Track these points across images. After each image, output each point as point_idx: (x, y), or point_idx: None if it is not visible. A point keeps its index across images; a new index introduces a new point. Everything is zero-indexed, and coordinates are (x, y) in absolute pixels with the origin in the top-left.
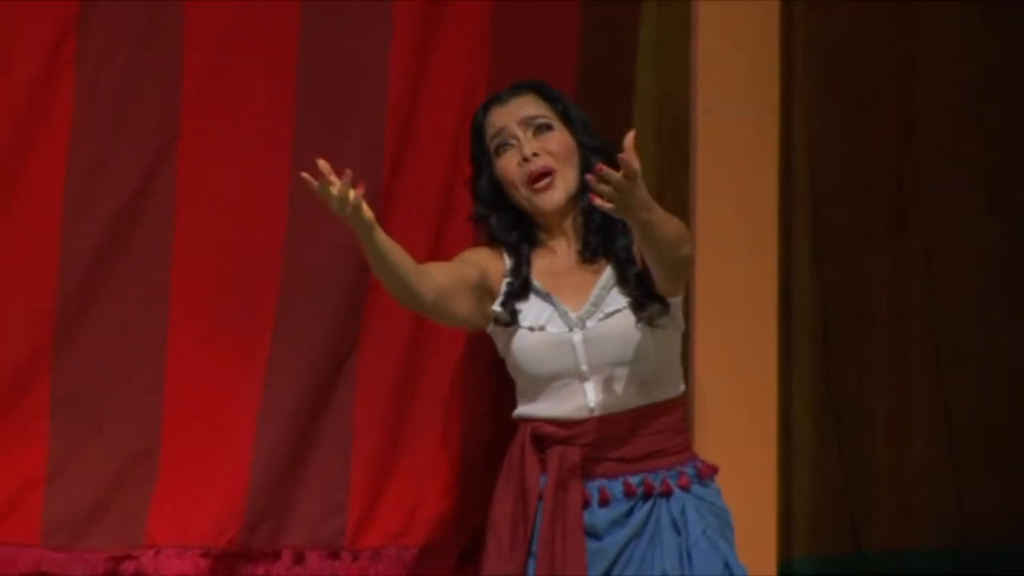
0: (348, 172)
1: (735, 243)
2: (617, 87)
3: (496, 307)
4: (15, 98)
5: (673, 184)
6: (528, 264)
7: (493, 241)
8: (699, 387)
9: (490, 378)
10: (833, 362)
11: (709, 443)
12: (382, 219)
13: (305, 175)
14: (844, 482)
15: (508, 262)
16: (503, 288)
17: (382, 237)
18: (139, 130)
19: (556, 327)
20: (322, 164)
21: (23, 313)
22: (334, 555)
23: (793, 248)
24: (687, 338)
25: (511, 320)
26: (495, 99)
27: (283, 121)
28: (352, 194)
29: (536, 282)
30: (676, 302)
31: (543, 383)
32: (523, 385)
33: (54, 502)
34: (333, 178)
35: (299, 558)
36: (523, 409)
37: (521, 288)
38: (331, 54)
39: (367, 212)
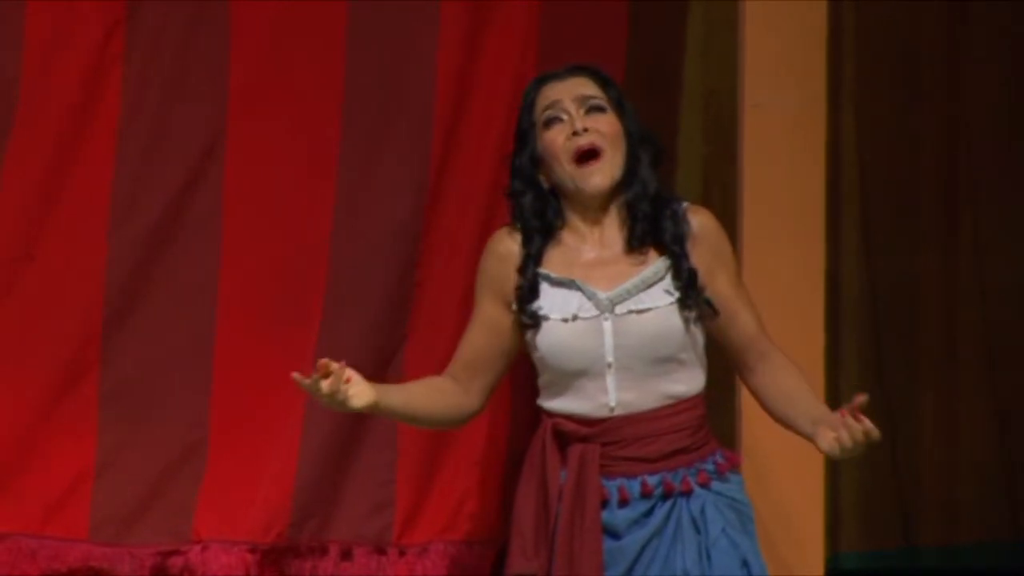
0: (342, 364)
1: (782, 238)
2: (665, 84)
3: (519, 315)
4: (64, 95)
5: (720, 179)
6: (537, 261)
7: (516, 223)
8: None
9: (536, 372)
10: (883, 357)
11: (757, 439)
12: (428, 219)
13: (296, 375)
14: (895, 477)
15: (520, 255)
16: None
17: (393, 400)
18: (186, 126)
19: (587, 312)
20: (321, 363)
21: (72, 308)
22: (381, 551)
23: (841, 242)
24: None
25: (534, 321)
26: (551, 75)
27: (330, 118)
28: (343, 388)
29: (552, 273)
30: None
31: (569, 379)
32: (548, 379)
33: (102, 497)
34: (325, 381)
35: (346, 553)
36: (545, 403)
37: (530, 289)
38: (378, 53)
39: (364, 396)
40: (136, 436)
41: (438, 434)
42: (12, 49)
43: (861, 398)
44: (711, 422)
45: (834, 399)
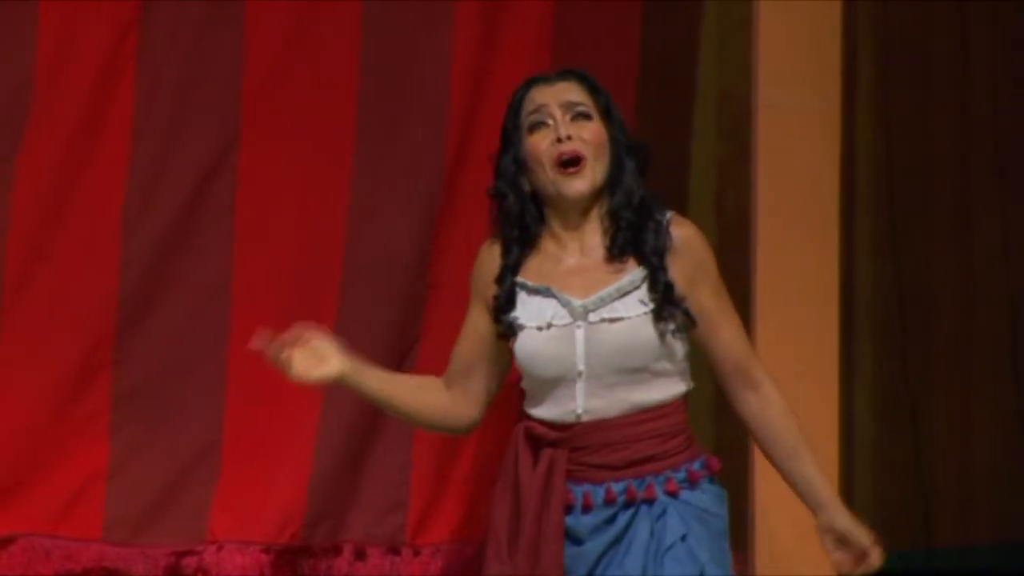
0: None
1: (797, 238)
2: (679, 84)
3: (496, 324)
4: (77, 96)
5: (735, 180)
6: (514, 271)
7: (496, 226)
8: None
9: None
10: (899, 358)
11: None
12: (442, 219)
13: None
14: (911, 477)
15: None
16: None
17: (369, 382)
18: (200, 126)
19: (561, 319)
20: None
21: (85, 309)
22: (395, 551)
23: (855, 243)
24: (749, 333)
25: (511, 331)
26: (540, 78)
27: (345, 118)
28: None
29: (529, 282)
30: None
31: (545, 386)
32: (527, 385)
33: (116, 497)
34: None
35: (360, 554)
36: (527, 407)
37: (507, 299)
38: (393, 52)
39: (324, 368)
40: (150, 437)
41: (452, 436)
42: (25, 51)
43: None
44: (723, 422)
45: (848, 402)
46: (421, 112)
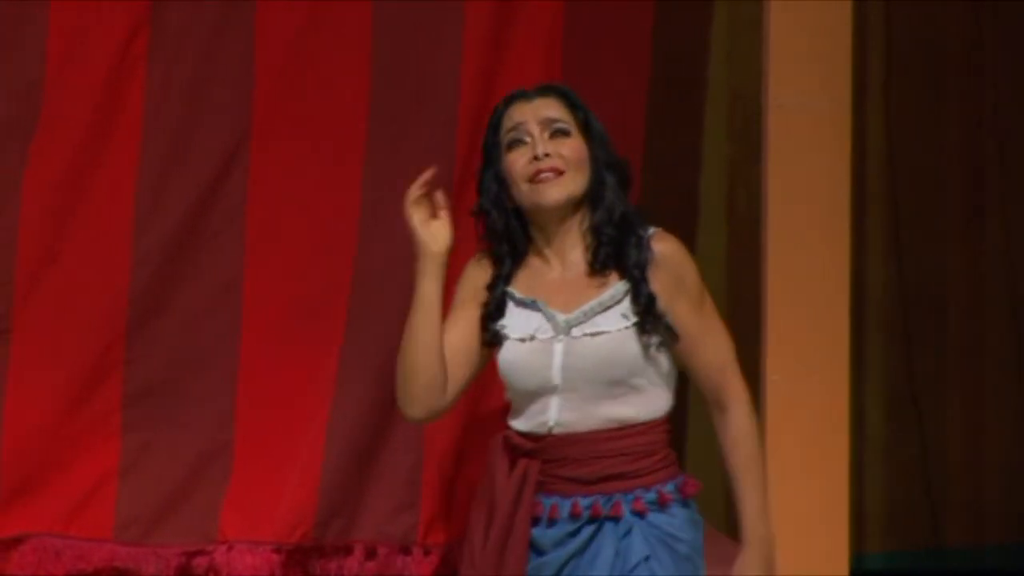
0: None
1: (808, 238)
2: (690, 84)
3: (482, 332)
4: (87, 96)
5: (745, 179)
6: (507, 280)
7: (484, 242)
8: (770, 383)
9: None
10: (909, 357)
11: (781, 437)
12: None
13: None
14: (921, 477)
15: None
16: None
17: (434, 299)
18: (211, 126)
19: (544, 333)
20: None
21: (96, 308)
22: (406, 551)
23: (867, 243)
24: (759, 333)
25: (496, 340)
26: (519, 94)
27: (356, 118)
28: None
29: (518, 293)
30: None
31: (523, 397)
32: (509, 397)
33: (127, 497)
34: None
35: (371, 553)
36: (509, 418)
37: (496, 308)
38: (403, 53)
39: (441, 244)
40: (161, 436)
41: (463, 434)
42: (36, 50)
43: None
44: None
45: (859, 400)
46: (432, 112)
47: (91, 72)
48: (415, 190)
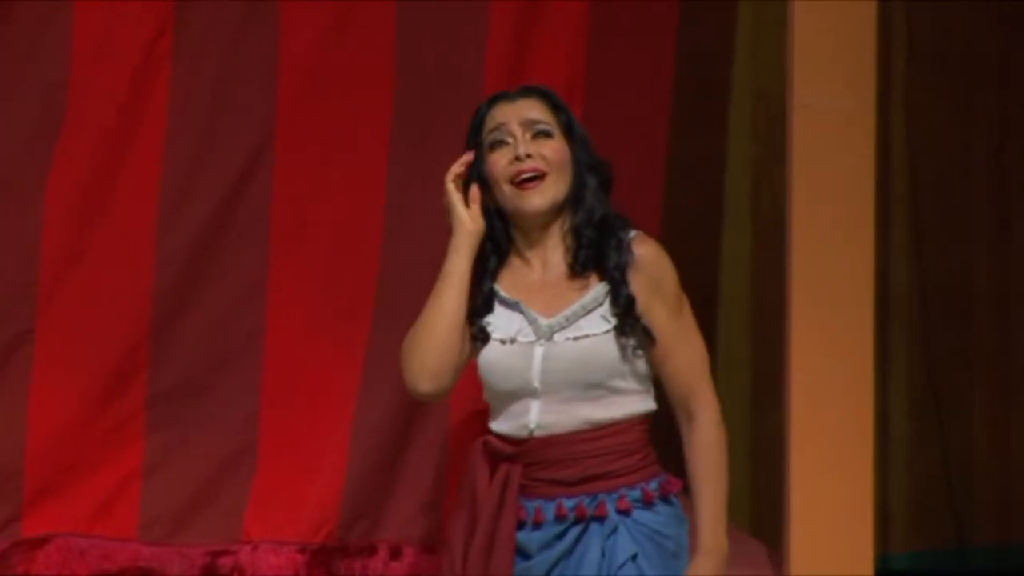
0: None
1: (832, 238)
2: (714, 84)
3: (469, 327)
4: (112, 96)
5: (769, 179)
6: (493, 278)
7: None
8: (796, 384)
9: None
10: (934, 356)
11: (805, 436)
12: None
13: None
14: (946, 476)
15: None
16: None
17: (463, 277)
18: (235, 127)
19: (526, 336)
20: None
21: (120, 310)
22: (430, 550)
23: (891, 242)
24: (783, 334)
25: (482, 336)
26: (502, 95)
27: (381, 118)
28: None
29: (503, 293)
30: None
31: (501, 398)
32: (487, 396)
33: (152, 497)
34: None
35: (396, 554)
36: (489, 422)
37: (484, 303)
38: (428, 52)
39: (477, 226)
40: (186, 436)
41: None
42: (61, 51)
43: None
44: (758, 419)
45: (883, 399)
46: (457, 111)
47: (116, 73)
48: (457, 167)
